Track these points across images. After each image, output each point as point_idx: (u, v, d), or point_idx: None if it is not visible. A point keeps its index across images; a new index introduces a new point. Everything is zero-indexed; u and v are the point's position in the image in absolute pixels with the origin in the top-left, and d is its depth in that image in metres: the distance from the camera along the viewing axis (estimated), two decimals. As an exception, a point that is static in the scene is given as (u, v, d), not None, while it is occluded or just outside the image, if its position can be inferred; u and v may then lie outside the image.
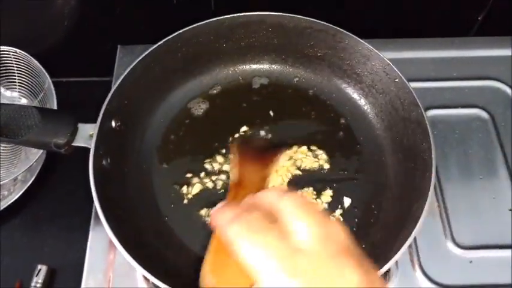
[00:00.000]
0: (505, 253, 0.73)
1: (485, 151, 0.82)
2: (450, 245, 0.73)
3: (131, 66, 0.72)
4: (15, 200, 0.79)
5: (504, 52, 0.93)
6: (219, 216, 0.41)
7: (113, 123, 0.71)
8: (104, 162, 0.68)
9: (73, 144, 0.67)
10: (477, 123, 0.85)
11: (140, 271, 0.58)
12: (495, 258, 0.73)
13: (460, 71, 0.91)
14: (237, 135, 0.78)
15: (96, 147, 0.66)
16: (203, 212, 0.72)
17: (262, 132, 0.78)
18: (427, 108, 0.86)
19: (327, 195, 0.73)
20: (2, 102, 0.88)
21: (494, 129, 0.84)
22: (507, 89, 0.89)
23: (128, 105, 0.73)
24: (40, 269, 0.74)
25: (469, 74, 0.90)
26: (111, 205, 0.65)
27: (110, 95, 0.70)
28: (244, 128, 0.79)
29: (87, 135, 0.68)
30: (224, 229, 0.39)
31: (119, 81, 0.71)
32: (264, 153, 0.68)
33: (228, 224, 0.39)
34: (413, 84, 0.86)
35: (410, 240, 0.59)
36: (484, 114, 0.86)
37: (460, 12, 0.95)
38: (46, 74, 0.83)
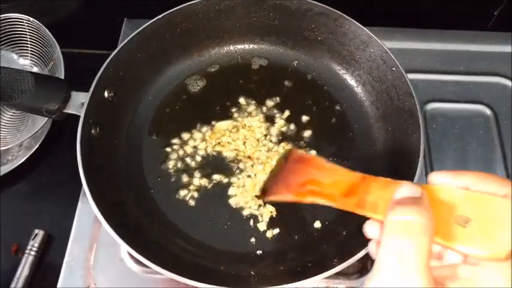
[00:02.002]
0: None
1: (484, 148, 0.80)
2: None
3: (127, 39, 0.73)
4: (19, 165, 0.81)
5: (514, 49, 0.90)
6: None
7: (106, 94, 0.72)
8: (93, 131, 0.69)
9: (64, 111, 0.69)
10: (479, 119, 0.83)
11: (119, 241, 0.59)
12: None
13: (467, 66, 0.88)
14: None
15: (86, 115, 0.67)
16: (187, 186, 0.73)
17: (255, 111, 0.79)
18: (429, 101, 0.85)
19: (313, 180, 0.72)
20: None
21: (496, 126, 0.82)
22: (514, 87, 0.86)
23: (122, 77, 0.74)
24: (37, 234, 0.76)
25: (477, 69, 0.88)
26: (97, 173, 0.66)
27: (104, 65, 0.70)
28: (242, 100, 0.80)
29: (79, 103, 0.69)
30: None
31: (114, 52, 0.72)
32: None
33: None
34: (418, 76, 0.86)
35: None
36: (487, 110, 0.84)
37: (477, 6, 0.92)
38: (56, 43, 0.84)
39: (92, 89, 0.68)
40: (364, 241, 0.59)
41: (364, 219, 0.67)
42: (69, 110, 0.69)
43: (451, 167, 0.78)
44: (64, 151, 0.86)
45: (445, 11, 0.93)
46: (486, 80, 0.87)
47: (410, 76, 0.84)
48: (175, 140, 0.76)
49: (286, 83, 0.82)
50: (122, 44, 0.73)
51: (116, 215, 0.63)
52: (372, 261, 0.70)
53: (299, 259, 0.66)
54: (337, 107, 0.79)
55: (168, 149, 0.75)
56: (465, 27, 0.93)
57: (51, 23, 0.86)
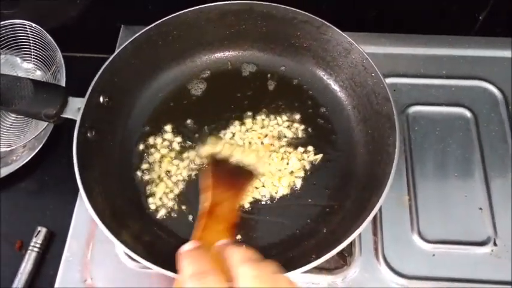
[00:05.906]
0: (468, 249, 0.75)
1: (463, 150, 0.83)
2: (415, 238, 0.75)
3: (122, 46, 0.77)
4: (23, 165, 0.85)
5: (496, 53, 0.92)
6: (184, 263, 0.44)
7: (101, 99, 0.75)
8: (89, 134, 0.73)
9: (62, 115, 0.72)
10: (459, 122, 0.86)
11: (112, 239, 0.63)
12: (458, 253, 0.74)
13: (449, 70, 0.91)
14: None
15: (82, 120, 0.71)
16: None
17: (244, 115, 0.82)
18: (411, 104, 0.87)
19: (297, 180, 0.76)
20: (18, 73, 0.95)
21: (476, 129, 0.85)
22: (494, 90, 0.89)
23: (117, 83, 0.77)
24: (40, 231, 0.80)
25: (458, 73, 0.91)
26: (92, 174, 0.70)
27: (99, 73, 0.74)
28: (232, 105, 0.83)
29: (75, 108, 0.72)
30: (182, 280, 0.42)
31: (109, 59, 0.75)
32: (236, 179, 0.70)
33: (187, 279, 0.42)
34: (402, 80, 0.89)
35: (360, 229, 0.62)
36: (467, 113, 0.86)
37: (462, 11, 0.95)
38: (58, 48, 0.88)
39: (87, 95, 0.72)
40: (342, 238, 0.63)
41: (343, 218, 0.72)
42: (67, 114, 0.72)
43: (431, 167, 0.81)
44: (66, 151, 0.88)
45: (431, 16, 0.96)
46: (467, 84, 0.89)
47: (395, 80, 0.89)
48: (166, 143, 0.80)
49: (273, 87, 0.85)
50: (116, 52, 0.76)
51: (110, 214, 0.67)
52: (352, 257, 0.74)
53: (282, 255, 0.69)
54: (322, 111, 0.82)
55: (159, 152, 0.79)
56: (451, 32, 0.96)
57: (52, 29, 0.90)
